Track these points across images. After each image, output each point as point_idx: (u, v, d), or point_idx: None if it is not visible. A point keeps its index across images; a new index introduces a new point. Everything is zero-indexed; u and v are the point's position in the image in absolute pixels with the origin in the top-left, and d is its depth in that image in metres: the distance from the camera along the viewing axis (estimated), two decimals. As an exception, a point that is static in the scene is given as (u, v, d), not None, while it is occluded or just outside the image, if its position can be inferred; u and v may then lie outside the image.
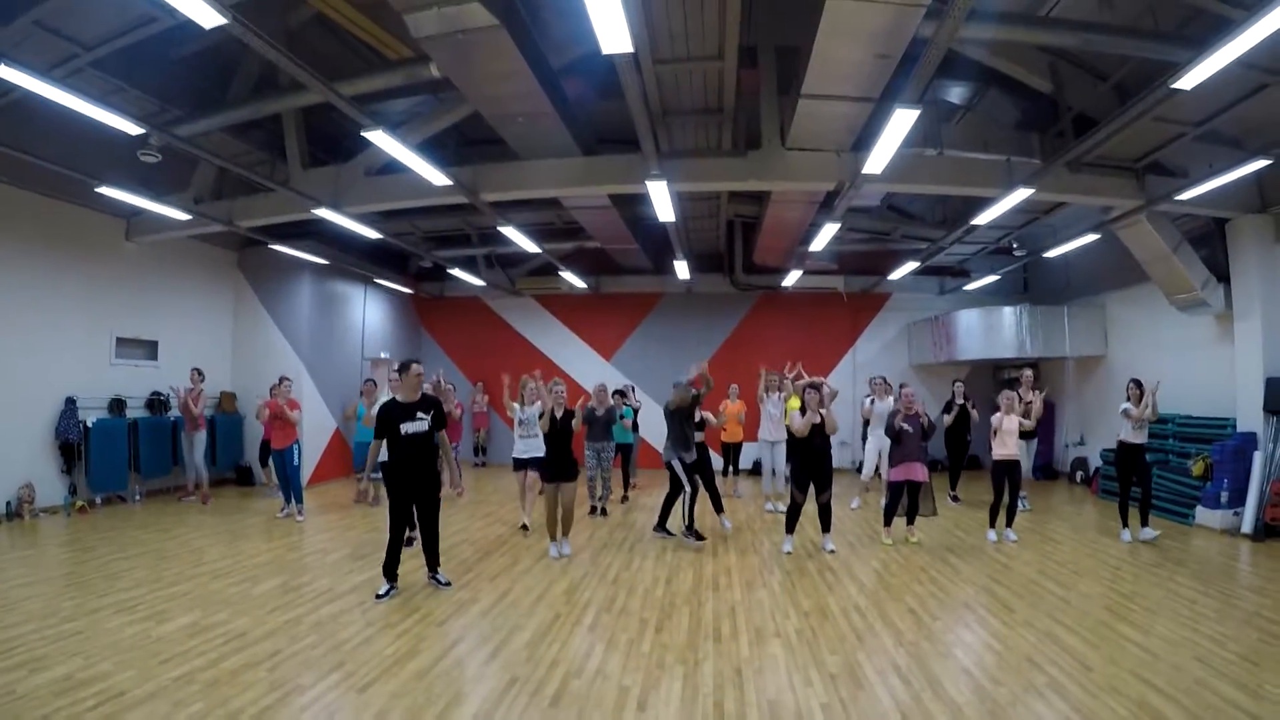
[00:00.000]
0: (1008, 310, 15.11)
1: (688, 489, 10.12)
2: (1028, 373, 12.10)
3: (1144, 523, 9.96)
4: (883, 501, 10.64)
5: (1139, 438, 9.90)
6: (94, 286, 11.43)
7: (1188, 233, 11.16)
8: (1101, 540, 10.15)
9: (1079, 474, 14.99)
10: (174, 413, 12.27)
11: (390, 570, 7.72)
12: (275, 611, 6.91)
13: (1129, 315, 13.88)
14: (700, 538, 10.01)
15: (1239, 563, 8.87)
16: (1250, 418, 10.44)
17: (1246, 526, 9.96)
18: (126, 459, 11.51)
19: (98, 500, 11.12)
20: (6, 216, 10.36)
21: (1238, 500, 10.20)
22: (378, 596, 7.54)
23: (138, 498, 11.67)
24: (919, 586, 8.15)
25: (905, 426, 9.93)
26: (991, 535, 10.21)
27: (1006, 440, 10.01)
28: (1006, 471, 10.05)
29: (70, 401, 10.82)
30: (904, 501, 10.21)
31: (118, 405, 11.51)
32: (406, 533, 8.13)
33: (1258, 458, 10.04)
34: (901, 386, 10.52)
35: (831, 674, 5.81)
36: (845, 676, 5.73)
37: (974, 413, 12.07)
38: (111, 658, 5.53)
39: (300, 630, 6.47)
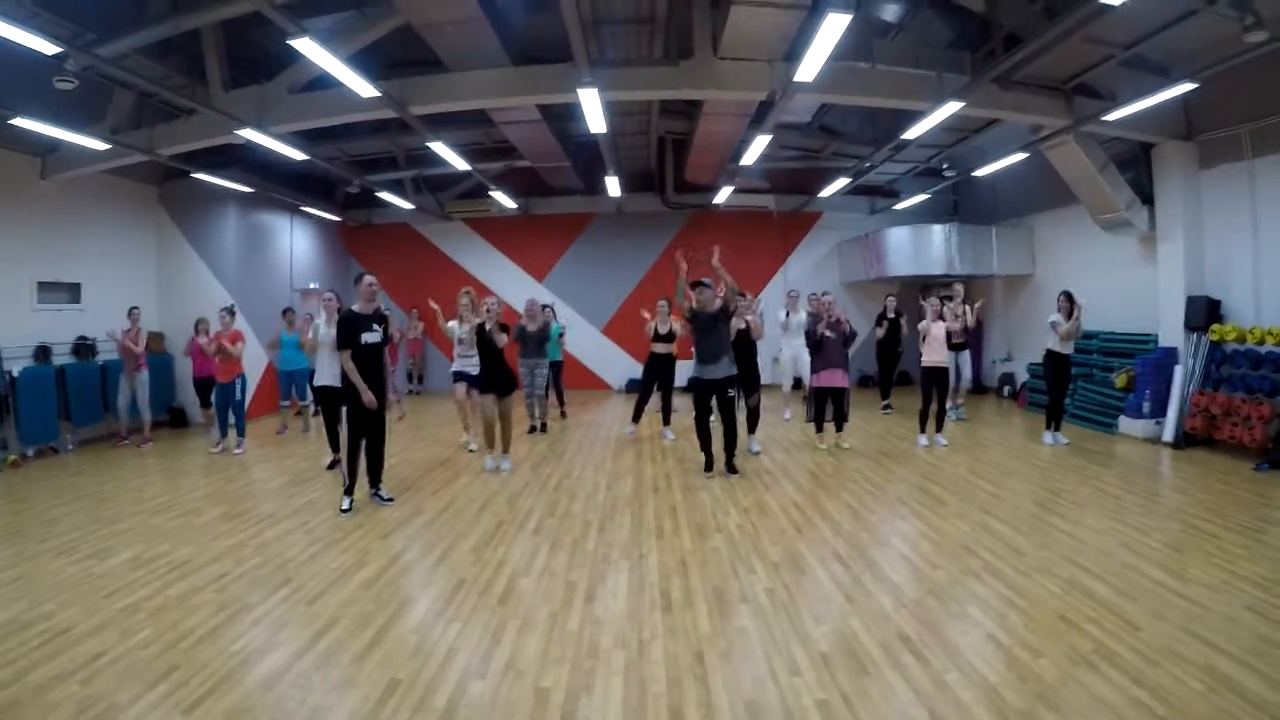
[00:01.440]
0: (937, 228, 15.29)
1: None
2: (958, 288, 12.32)
3: (1057, 428, 10.51)
4: (809, 410, 10.94)
5: (1066, 349, 10.26)
6: (10, 230, 10.97)
7: (1115, 156, 11.33)
8: (1029, 446, 10.49)
9: (1006, 388, 15.36)
10: (103, 357, 11.90)
11: (351, 484, 7.84)
12: (218, 539, 6.85)
13: (1056, 236, 14.15)
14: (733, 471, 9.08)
15: (1161, 467, 9.20)
16: (1172, 334, 10.77)
17: (1167, 435, 10.30)
18: (56, 408, 11.14)
19: (29, 453, 10.70)
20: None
21: (1159, 411, 10.58)
22: (342, 511, 7.67)
23: (70, 447, 11.31)
24: (854, 485, 8.42)
25: (827, 334, 10.06)
26: (922, 440, 10.47)
27: (934, 347, 10.22)
28: (935, 378, 10.29)
29: None
30: (830, 409, 10.31)
31: (43, 353, 11.08)
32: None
33: (1178, 371, 10.37)
34: (824, 294, 10.78)
35: (774, 562, 6.01)
36: (787, 564, 5.93)
37: (905, 326, 12.25)
38: (55, 598, 5.44)
39: (245, 553, 6.45)
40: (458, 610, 5.21)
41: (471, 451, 10.68)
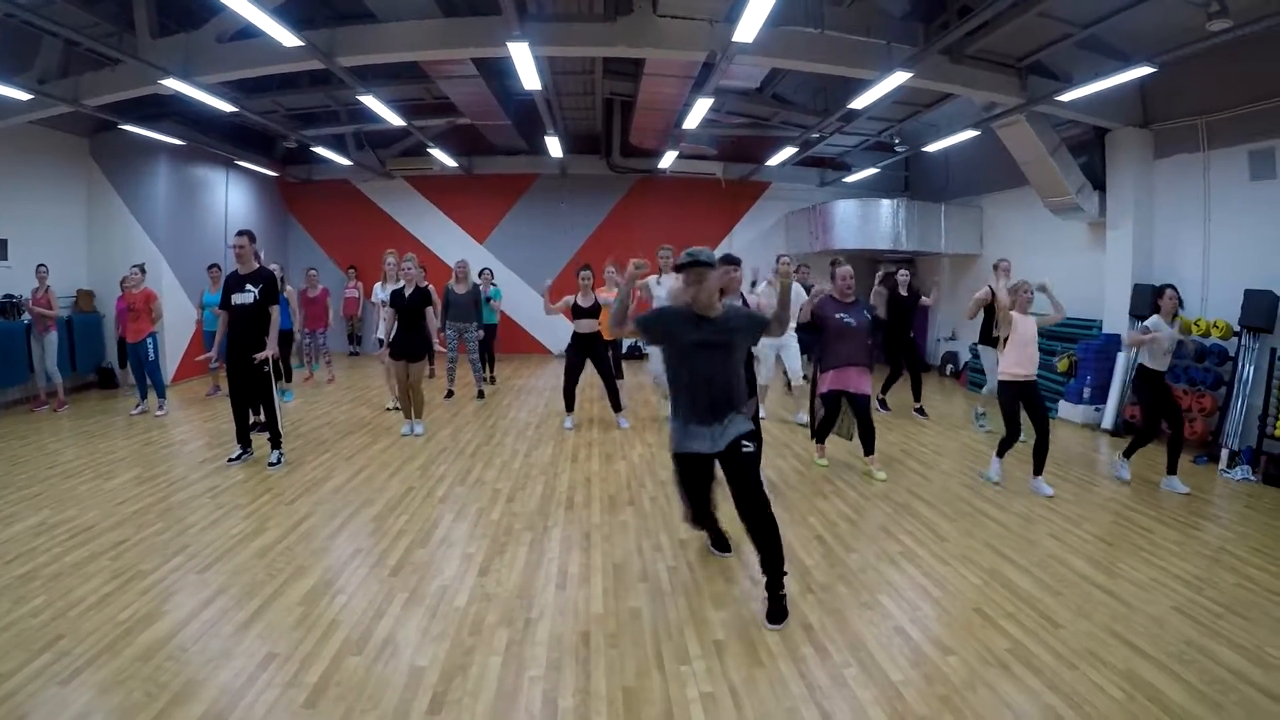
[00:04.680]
0: (885, 203, 15.17)
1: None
2: (904, 273, 11.85)
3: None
4: (801, 416, 9.93)
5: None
6: None
7: (1068, 139, 11.23)
8: (967, 428, 10.36)
9: (949, 367, 15.37)
10: (27, 316, 11.50)
11: (240, 436, 8.12)
12: (125, 503, 6.69)
13: (1005, 217, 14.09)
14: None
15: (1098, 455, 9.11)
16: (1116, 320, 10.74)
17: (1107, 422, 10.29)
18: (-22, 368, 10.80)
19: (-49, 417, 10.38)
20: None
21: (1099, 397, 10.55)
22: (229, 460, 7.97)
23: (-8, 410, 10.98)
24: (780, 461, 8.25)
25: (845, 319, 7.59)
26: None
27: None
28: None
29: None
30: (846, 420, 7.99)
31: None
32: (251, 416, 8.21)
33: (1121, 358, 10.30)
34: (834, 264, 7.92)
35: (682, 539, 5.88)
36: (695, 541, 5.78)
37: (933, 296, 11.78)
38: (-44, 566, 5.29)
39: (148, 519, 6.29)
40: (347, 581, 5.09)
41: (388, 410, 10.64)
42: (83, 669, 3.90)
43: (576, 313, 9.93)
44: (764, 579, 4.57)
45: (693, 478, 4.95)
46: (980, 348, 10.44)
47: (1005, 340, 7.26)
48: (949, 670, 3.97)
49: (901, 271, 11.42)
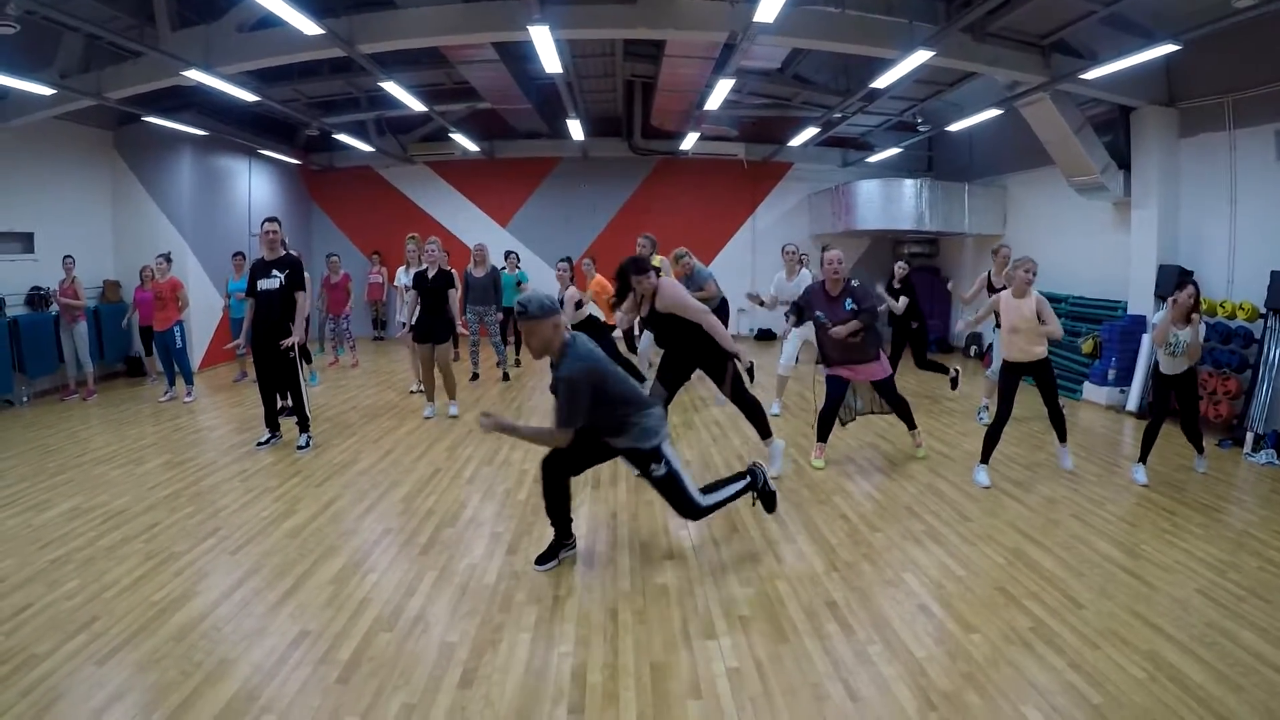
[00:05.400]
0: (908, 182, 15.04)
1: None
2: (901, 265, 11.51)
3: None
4: (775, 407, 9.57)
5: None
6: None
7: (1092, 118, 11.08)
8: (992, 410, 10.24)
9: (973, 349, 15.15)
10: (55, 307, 11.62)
11: (268, 420, 8.24)
12: (156, 488, 6.79)
13: (1029, 197, 13.95)
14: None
15: (1122, 436, 9.01)
16: (1141, 301, 10.61)
17: (1131, 404, 10.18)
18: (9, 359, 10.83)
19: (-16, 406, 10.55)
20: None
21: (1124, 379, 10.44)
22: (258, 444, 8.12)
23: (25, 399, 11.06)
24: (803, 440, 8.23)
25: (822, 318, 7.23)
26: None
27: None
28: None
29: None
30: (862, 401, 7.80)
31: None
32: (279, 401, 8.32)
33: (1146, 340, 10.15)
34: (824, 249, 7.52)
35: (709, 519, 5.87)
36: (722, 519, 5.78)
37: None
38: (-8, 551, 5.39)
39: (179, 503, 6.39)
40: (378, 560, 5.18)
41: (412, 393, 10.70)
42: (119, 648, 3.97)
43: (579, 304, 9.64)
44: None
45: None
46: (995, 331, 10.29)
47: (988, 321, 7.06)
48: (972, 648, 3.98)
49: (899, 264, 11.09)
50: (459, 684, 3.67)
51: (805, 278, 9.39)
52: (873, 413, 7.80)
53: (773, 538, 5.49)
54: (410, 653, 3.94)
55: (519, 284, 12.73)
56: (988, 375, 9.69)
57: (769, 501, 5.44)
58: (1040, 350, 6.85)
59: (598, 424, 4.76)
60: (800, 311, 7.40)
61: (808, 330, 9.12)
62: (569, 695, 3.60)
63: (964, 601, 4.54)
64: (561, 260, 10.12)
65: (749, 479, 5.31)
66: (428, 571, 4.96)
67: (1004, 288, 7.32)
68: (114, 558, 5.20)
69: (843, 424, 7.78)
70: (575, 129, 14.48)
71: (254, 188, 15.93)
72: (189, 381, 11.01)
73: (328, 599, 4.56)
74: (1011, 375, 6.94)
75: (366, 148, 15.90)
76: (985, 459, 6.91)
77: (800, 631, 4.17)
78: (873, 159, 17.02)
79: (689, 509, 4.90)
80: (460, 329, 10.08)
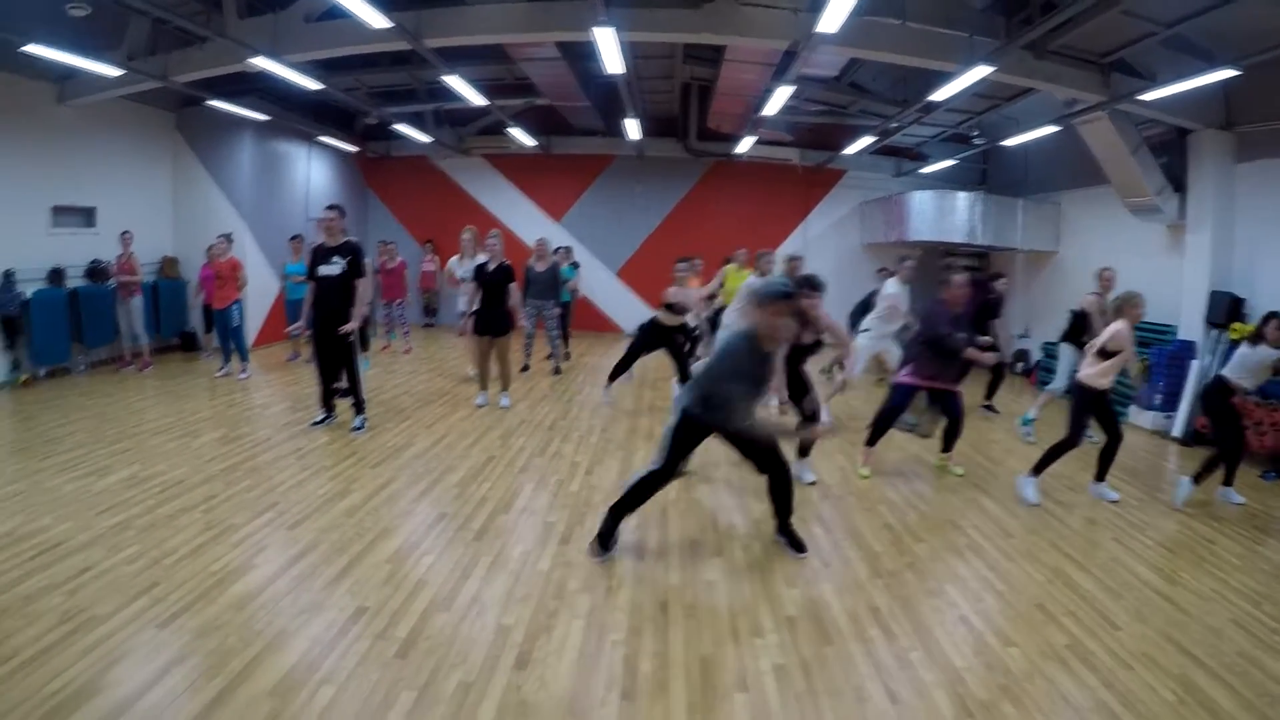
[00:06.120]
0: (962, 195, 14.92)
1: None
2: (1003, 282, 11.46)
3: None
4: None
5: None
6: (27, 155, 10.85)
7: (1149, 138, 10.95)
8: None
9: (1019, 365, 15.03)
10: (114, 280, 11.91)
11: (324, 401, 8.40)
12: (213, 461, 6.95)
13: (1083, 215, 13.78)
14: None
15: (1166, 462, 8.92)
16: (1192, 327, 10.47)
17: (1177, 430, 10.03)
18: (68, 329, 11.12)
19: (42, 373, 10.75)
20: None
21: (1170, 404, 10.28)
22: (313, 423, 8.31)
23: (82, 368, 11.36)
24: (851, 448, 8.16)
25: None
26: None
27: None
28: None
29: (8, 274, 10.33)
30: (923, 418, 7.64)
31: (57, 275, 10.99)
32: (335, 382, 8.42)
33: (1194, 366, 10.09)
34: (953, 273, 7.52)
35: (755, 518, 6.03)
36: (769, 521, 5.76)
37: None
38: (51, 513, 5.54)
39: (236, 476, 6.55)
40: (434, 543, 5.30)
41: (470, 377, 10.78)
42: (179, 614, 4.12)
43: (669, 307, 9.38)
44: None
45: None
46: (1062, 346, 10.04)
47: (1103, 351, 6.81)
48: (1009, 660, 4.06)
49: (1001, 280, 11.10)
50: (514, 665, 3.79)
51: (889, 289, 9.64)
52: (922, 434, 7.77)
53: (818, 543, 5.58)
54: (466, 633, 4.06)
55: (564, 281, 12.87)
56: (1047, 390, 9.77)
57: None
58: None
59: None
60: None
61: (878, 343, 9.60)
62: (621, 681, 3.72)
63: (1003, 615, 4.60)
64: (681, 261, 9.82)
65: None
66: (482, 556, 5.08)
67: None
68: (172, 527, 5.35)
69: (914, 431, 7.76)
70: (633, 128, 14.51)
71: (312, 173, 16.21)
72: (244, 359, 11.26)
73: (385, 577, 4.69)
74: (1097, 401, 6.98)
75: (424, 138, 16.02)
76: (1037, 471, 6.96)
77: (844, 634, 4.26)
78: (926, 170, 16.90)
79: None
80: (522, 321, 10.31)
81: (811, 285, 6.48)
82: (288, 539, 5.26)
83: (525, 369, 12.06)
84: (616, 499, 5.30)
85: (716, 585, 4.82)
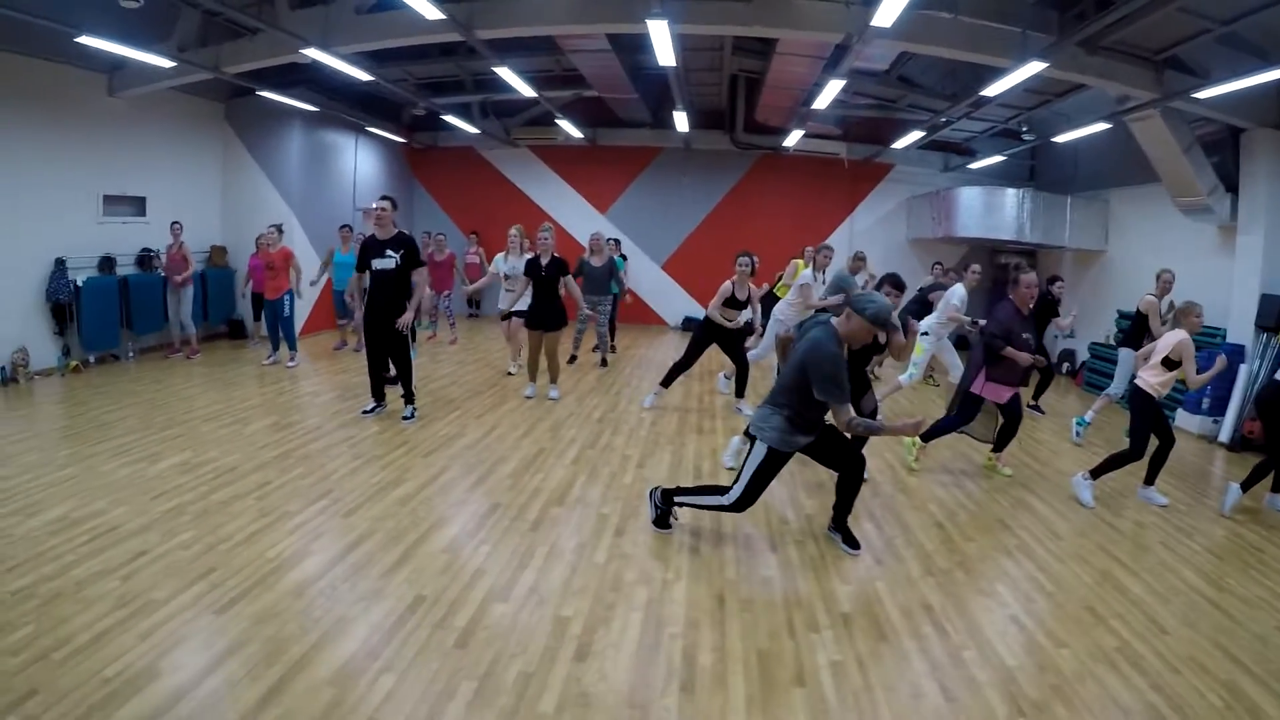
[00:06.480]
0: (1010, 192, 14.71)
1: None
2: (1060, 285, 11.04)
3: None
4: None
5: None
6: (79, 145, 11.04)
7: (1201, 137, 10.76)
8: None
9: (1065, 365, 14.87)
10: (161, 270, 12.08)
11: (374, 391, 8.46)
12: (265, 448, 7.05)
13: (1132, 214, 13.54)
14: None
15: (1213, 467, 8.79)
16: (1241, 331, 10.31)
17: (1224, 436, 9.86)
18: (118, 317, 11.31)
19: (91, 359, 10.98)
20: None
21: (1218, 409, 10.10)
22: (364, 412, 8.41)
23: (131, 355, 11.57)
24: (899, 447, 8.17)
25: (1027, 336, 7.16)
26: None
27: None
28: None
29: (60, 262, 10.54)
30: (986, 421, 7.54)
31: (107, 263, 11.19)
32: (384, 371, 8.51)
33: (1243, 370, 9.94)
34: (1016, 269, 7.54)
35: (808, 514, 6.05)
36: (822, 517, 5.89)
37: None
38: (105, 497, 5.63)
39: (289, 464, 6.64)
40: (489, 533, 5.35)
41: (509, 375, 10.88)
42: (237, 600, 4.19)
43: (729, 303, 8.99)
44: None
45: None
46: (1122, 351, 9.86)
47: (1166, 360, 6.83)
48: (1060, 661, 4.06)
49: (1058, 284, 10.81)
50: (574, 657, 3.84)
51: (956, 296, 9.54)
52: (977, 437, 7.71)
53: (870, 540, 5.60)
54: (525, 624, 4.11)
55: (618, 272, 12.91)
56: (1105, 394, 9.71)
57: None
58: None
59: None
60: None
61: (936, 345, 9.70)
62: (680, 674, 3.75)
63: (1053, 617, 4.60)
64: (742, 255, 9.14)
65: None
66: (538, 547, 5.13)
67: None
68: (227, 513, 5.44)
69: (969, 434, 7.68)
70: (680, 120, 14.48)
71: (359, 163, 16.35)
72: (292, 348, 11.40)
73: (442, 566, 4.75)
74: (1158, 409, 6.96)
75: (471, 129, 16.11)
76: (1096, 474, 6.93)
77: (899, 631, 4.28)
78: (975, 165, 16.77)
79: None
80: (585, 310, 10.62)
81: (895, 284, 6.64)
82: (343, 527, 5.32)
83: (573, 360, 12.13)
84: (678, 491, 5.46)
85: (772, 580, 4.85)
